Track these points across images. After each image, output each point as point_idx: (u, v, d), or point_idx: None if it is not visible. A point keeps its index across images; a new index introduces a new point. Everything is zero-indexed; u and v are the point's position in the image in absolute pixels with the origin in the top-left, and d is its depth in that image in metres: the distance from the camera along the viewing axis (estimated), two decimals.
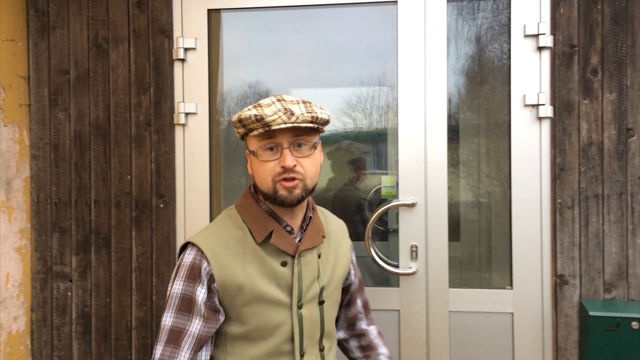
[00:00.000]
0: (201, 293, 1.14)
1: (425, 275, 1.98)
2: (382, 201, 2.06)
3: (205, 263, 1.15)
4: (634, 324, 1.74)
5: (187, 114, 2.08)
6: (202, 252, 1.15)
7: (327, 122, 1.21)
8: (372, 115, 2.15)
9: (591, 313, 1.77)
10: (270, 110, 1.12)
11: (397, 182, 2.02)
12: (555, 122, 1.90)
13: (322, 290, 1.26)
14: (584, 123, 1.88)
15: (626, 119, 1.86)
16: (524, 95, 1.93)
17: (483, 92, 2.06)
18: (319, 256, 1.27)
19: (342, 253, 1.36)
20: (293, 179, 1.15)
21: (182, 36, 2.07)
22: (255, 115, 1.12)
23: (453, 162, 2.06)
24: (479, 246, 2.06)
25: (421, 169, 1.98)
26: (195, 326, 1.13)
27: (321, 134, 1.24)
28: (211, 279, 1.15)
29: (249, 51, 2.15)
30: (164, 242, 2.06)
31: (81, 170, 2.10)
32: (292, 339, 1.21)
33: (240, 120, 1.16)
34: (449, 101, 2.04)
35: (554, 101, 1.90)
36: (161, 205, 2.06)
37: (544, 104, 1.91)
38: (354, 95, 2.14)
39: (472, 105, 2.08)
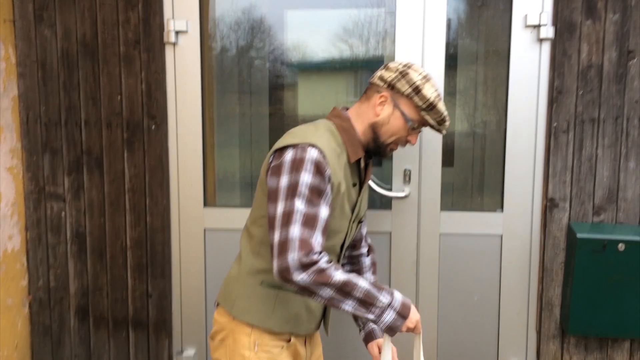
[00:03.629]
0: (327, 185, 1.30)
1: (418, 198, 1.99)
2: None
3: (327, 167, 1.29)
4: (620, 246, 1.78)
5: (177, 33, 2.02)
6: (325, 156, 1.29)
7: None
8: (370, 41, 2.09)
9: (579, 235, 1.80)
10: (446, 114, 1.41)
11: None
12: (555, 43, 1.85)
13: (361, 213, 1.51)
14: (584, 44, 1.84)
15: (628, 40, 1.82)
16: (526, 15, 1.87)
17: (484, 18, 2.00)
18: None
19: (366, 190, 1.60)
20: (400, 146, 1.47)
21: None
22: (444, 116, 1.41)
23: (450, 91, 2.02)
24: (472, 172, 2.06)
25: None
26: (325, 212, 1.28)
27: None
28: (329, 179, 1.30)
29: None
30: (157, 163, 2.05)
31: (70, 90, 2.06)
32: (342, 244, 1.46)
33: (432, 105, 1.38)
34: (448, 27, 1.98)
35: (555, 21, 1.85)
36: (153, 127, 2.04)
37: (545, 24, 1.85)
38: (350, 20, 2.07)
39: (471, 31, 2.02)
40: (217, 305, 1.48)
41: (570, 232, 1.88)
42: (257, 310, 1.39)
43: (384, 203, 2.05)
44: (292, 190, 1.25)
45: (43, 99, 2.07)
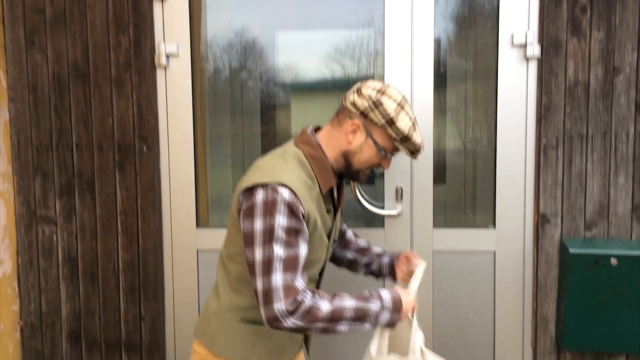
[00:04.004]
0: (303, 224, 1.26)
1: (410, 216, 2.00)
2: None
3: (300, 205, 1.25)
4: (613, 260, 1.78)
5: (168, 56, 2.03)
6: (296, 194, 1.25)
7: None
8: (361, 61, 2.11)
9: (571, 250, 1.81)
10: (421, 141, 1.37)
11: None
12: (542, 61, 1.88)
13: (336, 235, 1.50)
14: (570, 62, 1.87)
15: (613, 58, 1.85)
16: (512, 35, 1.90)
17: (472, 37, 2.02)
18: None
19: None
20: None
21: None
22: (419, 145, 1.36)
23: (440, 109, 2.04)
24: (464, 189, 2.07)
25: None
26: (304, 251, 1.26)
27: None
28: (304, 217, 1.27)
29: None
30: (149, 185, 2.05)
31: (61, 113, 2.06)
32: (320, 271, 1.46)
33: (407, 138, 1.33)
34: (437, 46, 2.01)
35: (541, 40, 1.88)
36: (144, 149, 2.04)
37: (531, 43, 1.88)
38: (342, 40, 2.10)
39: (460, 50, 2.05)
40: (196, 336, 1.45)
41: (562, 248, 1.89)
42: (238, 347, 1.37)
43: (377, 221, 2.05)
44: (269, 235, 1.22)
45: (34, 122, 2.07)
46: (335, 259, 1.69)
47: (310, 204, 1.30)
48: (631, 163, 1.87)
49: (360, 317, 1.26)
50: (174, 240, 2.10)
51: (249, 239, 1.25)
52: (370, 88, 1.34)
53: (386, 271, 1.61)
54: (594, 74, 1.86)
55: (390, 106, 1.31)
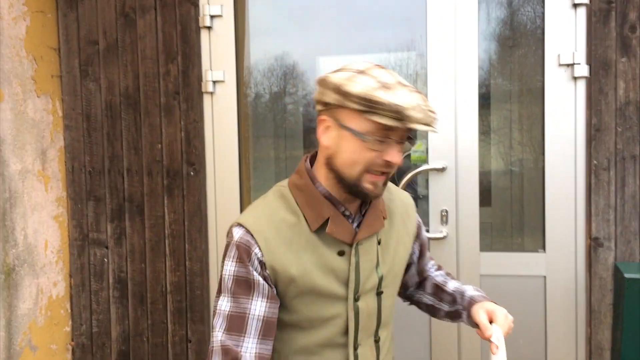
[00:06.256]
0: (256, 273, 1.03)
1: (456, 239, 1.97)
2: (412, 167, 2.05)
3: (257, 248, 1.03)
4: None
5: (214, 82, 2.09)
6: (252, 235, 1.03)
7: None
8: None
9: (626, 275, 1.74)
10: (409, 101, 0.95)
11: (427, 147, 2.00)
12: (591, 81, 1.85)
13: (380, 280, 1.13)
14: (621, 82, 1.83)
15: None
16: (559, 55, 1.88)
17: (515, 57, 2.01)
18: (379, 242, 1.14)
19: (406, 234, 1.21)
20: (383, 173, 1.03)
21: (207, 3, 2.06)
22: (396, 105, 0.94)
23: (484, 130, 2.02)
24: (510, 211, 2.03)
25: (451, 135, 1.96)
26: (260, 309, 1.03)
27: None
28: (262, 265, 1.03)
29: (275, 18, 2.14)
30: (196, 209, 2.09)
31: (113, 140, 2.14)
32: (346, 332, 1.10)
33: (369, 98, 0.95)
34: (480, 67, 2.00)
35: (589, 60, 1.84)
36: (192, 173, 2.09)
37: (579, 63, 1.85)
38: (382, 63, 2.11)
39: (503, 70, 2.03)
40: None
41: (617, 272, 1.82)
42: None
43: None
44: (220, 284, 1.05)
45: (88, 149, 2.16)
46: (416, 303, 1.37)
47: (282, 250, 1.04)
48: None
49: None
50: (220, 263, 2.13)
51: None
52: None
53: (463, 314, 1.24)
54: None
55: (338, 76, 1.00)
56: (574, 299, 1.92)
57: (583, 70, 1.85)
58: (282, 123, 2.19)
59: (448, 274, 1.35)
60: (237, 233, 1.04)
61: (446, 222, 1.98)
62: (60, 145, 2.17)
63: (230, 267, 1.03)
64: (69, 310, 2.21)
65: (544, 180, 1.93)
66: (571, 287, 1.92)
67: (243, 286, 1.02)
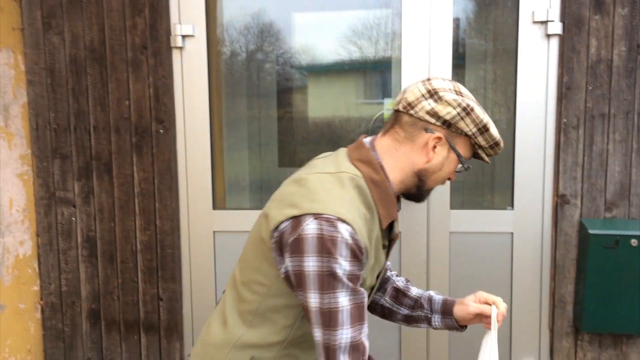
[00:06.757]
0: (364, 268, 1.08)
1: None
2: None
3: (362, 245, 1.05)
4: (633, 241, 1.76)
5: (184, 37, 2.02)
6: (356, 232, 1.03)
7: None
8: (379, 43, 2.08)
9: (591, 231, 1.78)
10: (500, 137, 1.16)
11: None
12: (564, 39, 1.84)
13: (382, 273, 1.26)
14: (593, 40, 1.83)
15: (637, 35, 1.80)
16: (533, 12, 1.86)
17: (491, 16, 1.99)
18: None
19: None
20: None
21: None
22: (500, 146, 1.17)
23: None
24: (482, 170, 2.05)
25: None
26: (365, 297, 1.08)
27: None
28: (365, 258, 1.08)
29: None
30: (166, 167, 2.05)
31: (78, 96, 2.07)
32: None
33: (493, 138, 1.13)
34: (456, 26, 1.98)
35: (563, 17, 1.84)
36: (161, 131, 2.04)
37: (553, 20, 1.84)
38: (359, 22, 2.07)
39: (479, 30, 2.01)
40: None
41: (582, 229, 1.86)
42: None
43: None
44: (329, 280, 1.01)
45: (52, 105, 2.09)
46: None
47: (369, 244, 1.08)
48: None
49: None
50: (190, 221, 2.11)
51: (300, 280, 1.03)
52: (448, 91, 1.10)
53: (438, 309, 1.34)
54: (617, 52, 1.82)
55: (479, 111, 1.10)
56: (540, 255, 1.97)
57: (556, 27, 1.84)
58: (257, 82, 2.14)
59: (407, 281, 1.42)
60: (346, 232, 1.02)
61: None
62: (23, 102, 2.10)
63: (345, 265, 1.02)
64: (37, 270, 2.17)
65: (514, 139, 1.94)
66: (537, 243, 1.96)
67: (355, 280, 1.05)
